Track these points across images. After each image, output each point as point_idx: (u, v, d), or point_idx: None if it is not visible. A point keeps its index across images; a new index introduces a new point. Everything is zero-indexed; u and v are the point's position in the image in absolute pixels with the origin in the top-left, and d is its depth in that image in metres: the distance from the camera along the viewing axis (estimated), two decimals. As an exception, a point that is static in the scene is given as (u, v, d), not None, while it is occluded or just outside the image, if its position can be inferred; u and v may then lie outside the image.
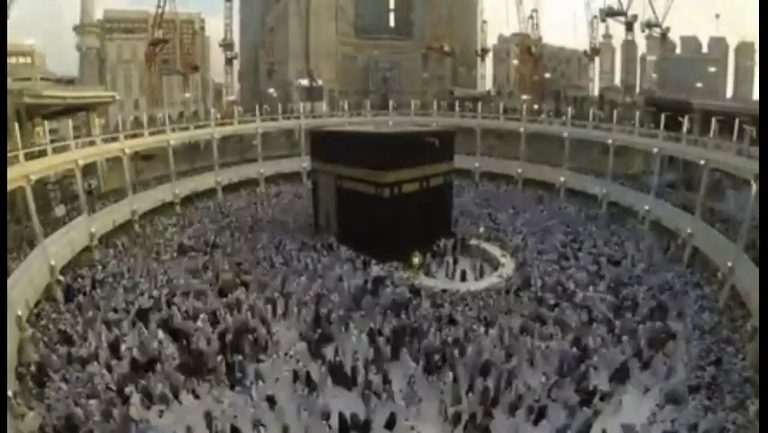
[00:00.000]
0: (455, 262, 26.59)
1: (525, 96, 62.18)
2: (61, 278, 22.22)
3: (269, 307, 20.65)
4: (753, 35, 66.24)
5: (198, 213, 35.77)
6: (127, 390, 14.76)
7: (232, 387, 15.71)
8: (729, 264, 21.59)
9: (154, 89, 59.58)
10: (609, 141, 36.12)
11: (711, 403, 14.49)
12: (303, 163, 41.43)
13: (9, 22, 32.60)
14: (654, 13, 59.95)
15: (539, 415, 14.21)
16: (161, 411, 14.72)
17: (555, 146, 41.55)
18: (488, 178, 43.25)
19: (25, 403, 14.10)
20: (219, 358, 16.61)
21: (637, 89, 68.13)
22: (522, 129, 42.35)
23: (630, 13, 60.69)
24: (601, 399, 14.81)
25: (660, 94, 54.89)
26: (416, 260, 25.66)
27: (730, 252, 22.42)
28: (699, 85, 65.55)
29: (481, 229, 30.53)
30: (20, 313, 17.18)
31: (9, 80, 29.51)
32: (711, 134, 28.10)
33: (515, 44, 75.60)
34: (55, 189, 29.19)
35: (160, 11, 54.55)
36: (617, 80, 73.39)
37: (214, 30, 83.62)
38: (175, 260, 26.73)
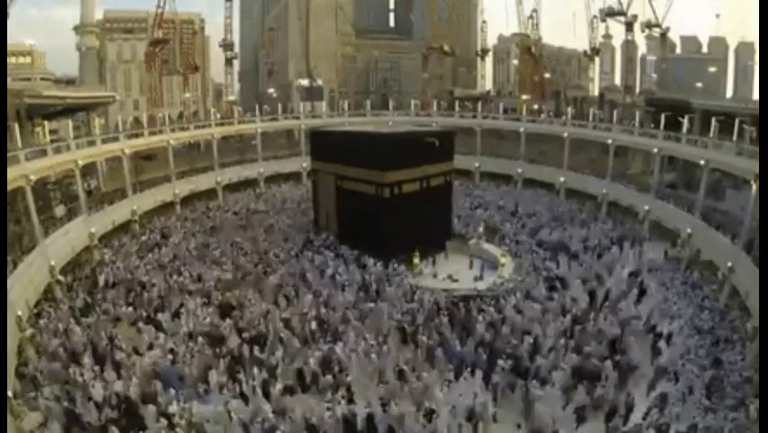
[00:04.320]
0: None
1: (525, 96, 62.20)
2: (61, 278, 22.22)
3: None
4: (753, 35, 66.40)
5: (198, 213, 35.74)
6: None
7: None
8: (729, 264, 21.58)
9: (154, 89, 59.55)
10: (609, 141, 36.11)
11: (711, 403, 14.50)
12: (303, 163, 41.41)
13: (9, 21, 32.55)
14: (654, 13, 59.91)
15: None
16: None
17: (555, 146, 41.57)
18: (488, 178, 43.22)
19: (25, 403, 14.10)
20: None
21: (637, 89, 68.12)
22: (522, 129, 42.36)
23: (630, 13, 60.57)
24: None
25: (660, 94, 54.86)
26: (416, 260, 25.67)
27: (730, 252, 22.43)
28: (699, 85, 65.64)
29: (480, 229, 30.52)
30: (20, 313, 17.17)
31: (9, 80, 29.47)
32: (711, 134, 28.09)
33: (515, 44, 75.67)
34: (55, 189, 29.15)
35: (160, 11, 54.49)
36: (617, 80, 73.42)
37: (214, 30, 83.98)
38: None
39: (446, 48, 69.82)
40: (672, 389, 15.42)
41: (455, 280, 24.31)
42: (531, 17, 64.29)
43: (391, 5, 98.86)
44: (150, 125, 38.57)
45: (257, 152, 43.17)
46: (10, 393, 13.45)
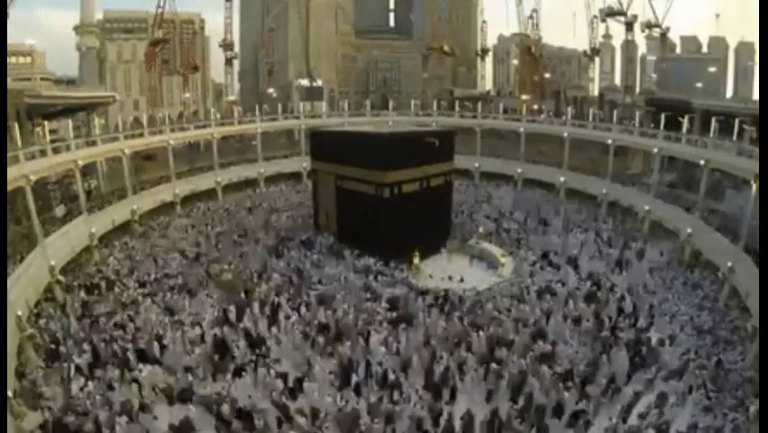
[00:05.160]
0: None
1: (525, 96, 62.17)
2: (61, 278, 22.22)
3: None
4: (753, 35, 66.38)
5: (198, 213, 35.73)
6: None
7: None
8: (729, 264, 21.58)
9: (154, 89, 59.52)
10: (609, 141, 36.09)
11: (711, 403, 14.50)
12: (303, 163, 41.39)
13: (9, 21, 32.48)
14: (654, 13, 59.95)
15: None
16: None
17: (555, 146, 41.54)
18: (488, 178, 43.17)
19: (25, 403, 14.09)
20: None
21: (637, 89, 68.07)
22: (522, 129, 42.34)
23: (630, 13, 60.55)
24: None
25: (660, 94, 54.84)
26: (416, 260, 25.68)
27: (730, 252, 22.42)
28: (699, 85, 65.60)
29: (481, 229, 30.54)
30: (20, 313, 17.17)
31: (9, 80, 29.47)
32: (711, 134, 28.09)
33: (515, 44, 75.65)
34: (55, 189, 29.16)
35: (160, 11, 54.49)
36: (617, 80, 73.36)
37: (214, 30, 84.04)
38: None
39: (446, 48, 69.77)
40: (672, 388, 15.44)
41: (453, 280, 24.31)
42: (531, 17, 64.25)
43: (391, 5, 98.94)
44: (150, 125, 38.51)
45: (257, 152, 43.15)
46: (10, 393, 13.45)
